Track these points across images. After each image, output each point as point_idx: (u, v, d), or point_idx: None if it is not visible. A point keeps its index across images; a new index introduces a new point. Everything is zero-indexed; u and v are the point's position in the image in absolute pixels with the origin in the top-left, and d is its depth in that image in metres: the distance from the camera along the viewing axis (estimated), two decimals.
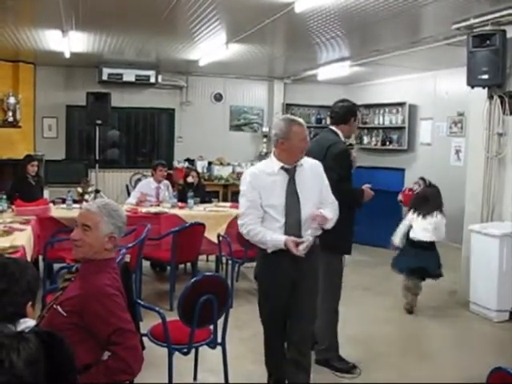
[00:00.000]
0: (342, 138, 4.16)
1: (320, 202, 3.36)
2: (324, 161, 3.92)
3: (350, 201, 4.00)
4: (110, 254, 2.45)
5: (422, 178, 6.64)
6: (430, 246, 5.48)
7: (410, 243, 5.55)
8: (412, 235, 5.54)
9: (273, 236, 3.20)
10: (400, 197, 7.35)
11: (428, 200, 5.61)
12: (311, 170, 3.38)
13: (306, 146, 3.31)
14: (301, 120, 3.34)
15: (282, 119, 3.34)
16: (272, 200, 3.24)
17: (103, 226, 2.38)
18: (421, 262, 5.42)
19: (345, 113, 4.16)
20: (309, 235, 3.23)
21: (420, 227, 5.50)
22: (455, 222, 6.32)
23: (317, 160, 4.05)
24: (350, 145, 4.05)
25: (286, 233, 3.20)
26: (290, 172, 3.29)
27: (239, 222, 3.31)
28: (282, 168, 3.27)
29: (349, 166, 4.09)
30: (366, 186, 4.10)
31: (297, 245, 3.12)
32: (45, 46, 8.00)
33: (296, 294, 3.31)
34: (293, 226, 3.25)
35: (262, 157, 11.07)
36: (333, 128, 4.18)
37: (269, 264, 3.32)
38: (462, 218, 6.10)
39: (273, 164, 3.30)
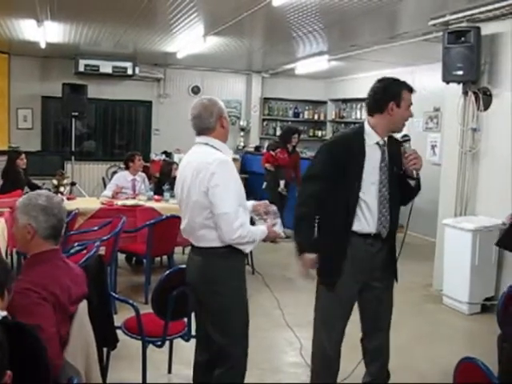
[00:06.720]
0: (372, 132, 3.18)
1: None
2: None
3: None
4: (42, 247, 2.30)
5: None
6: None
7: None
8: None
9: (258, 228, 2.88)
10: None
11: None
12: None
13: None
14: None
15: (210, 98, 3.09)
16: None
17: (19, 218, 2.30)
18: None
19: (380, 99, 3.15)
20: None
21: None
22: (430, 215, 6.40)
23: None
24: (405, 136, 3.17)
25: None
26: None
27: (235, 225, 2.63)
28: None
29: (321, 163, 3.08)
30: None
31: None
32: (19, 36, 7.88)
33: None
34: None
35: (239, 150, 11.06)
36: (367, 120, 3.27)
37: (241, 266, 2.95)
38: (436, 212, 6.18)
39: (225, 149, 2.91)
